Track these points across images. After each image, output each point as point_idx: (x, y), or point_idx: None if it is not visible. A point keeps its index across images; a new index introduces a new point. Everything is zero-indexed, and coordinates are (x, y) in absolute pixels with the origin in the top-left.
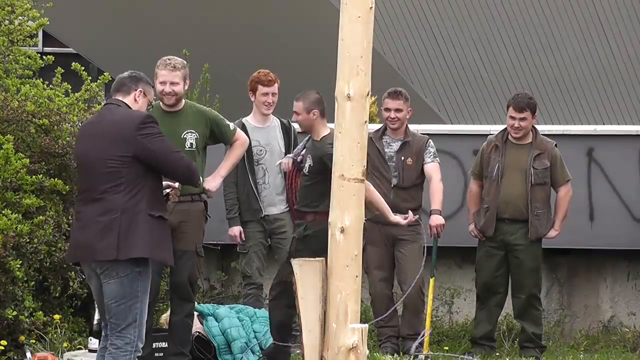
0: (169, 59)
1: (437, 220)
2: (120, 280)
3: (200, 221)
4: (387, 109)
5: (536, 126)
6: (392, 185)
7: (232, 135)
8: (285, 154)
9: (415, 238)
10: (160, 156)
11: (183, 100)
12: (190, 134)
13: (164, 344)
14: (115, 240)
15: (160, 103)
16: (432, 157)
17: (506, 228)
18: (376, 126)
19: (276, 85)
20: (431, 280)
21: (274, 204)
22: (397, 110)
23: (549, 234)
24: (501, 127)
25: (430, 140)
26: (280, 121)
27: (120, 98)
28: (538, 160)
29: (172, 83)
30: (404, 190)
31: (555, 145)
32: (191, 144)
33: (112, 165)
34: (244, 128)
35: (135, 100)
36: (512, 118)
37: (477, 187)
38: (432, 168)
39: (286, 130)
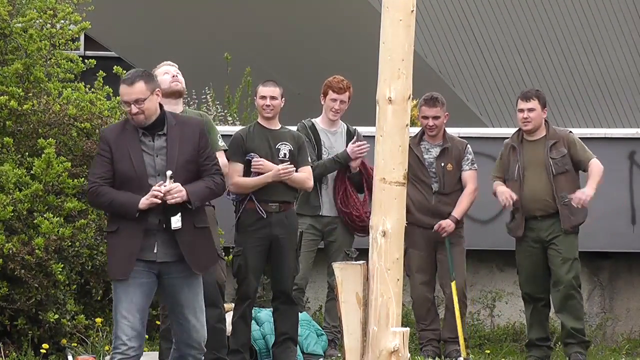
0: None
1: (446, 223)
2: None
3: (214, 224)
4: (425, 117)
5: (573, 129)
6: (434, 192)
7: (218, 149)
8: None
9: (457, 242)
10: None
11: (181, 105)
12: None
13: None
14: None
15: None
16: (469, 164)
17: (539, 225)
18: (417, 130)
19: (347, 93)
20: (452, 284)
21: (332, 206)
22: (435, 117)
23: (586, 192)
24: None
25: (468, 145)
26: (347, 127)
27: None
28: (554, 150)
29: (175, 71)
30: (446, 196)
31: (570, 132)
32: None
33: None
34: (313, 128)
35: None
36: (521, 110)
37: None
38: (468, 176)
39: (350, 136)
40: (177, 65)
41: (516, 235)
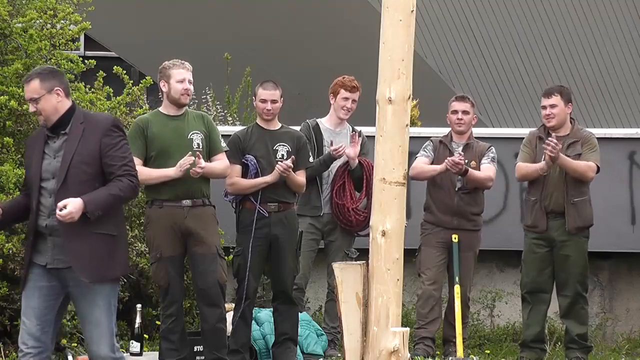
0: (179, 61)
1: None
2: None
3: (214, 224)
4: (454, 111)
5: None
6: (457, 189)
7: (220, 150)
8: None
9: (471, 247)
10: None
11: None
12: (196, 134)
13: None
14: None
15: (161, 109)
16: (490, 160)
17: (550, 223)
18: (417, 130)
19: (358, 93)
20: (455, 287)
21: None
22: (464, 112)
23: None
24: None
25: (492, 147)
26: (353, 128)
27: None
28: (571, 149)
29: (189, 81)
30: (468, 194)
31: (592, 134)
32: (198, 144)
33: None
34: (317, 128)
35: None
36: (543, 107)
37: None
38: (487, 168)
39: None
40: (191, 68)
41: (539, 228)
